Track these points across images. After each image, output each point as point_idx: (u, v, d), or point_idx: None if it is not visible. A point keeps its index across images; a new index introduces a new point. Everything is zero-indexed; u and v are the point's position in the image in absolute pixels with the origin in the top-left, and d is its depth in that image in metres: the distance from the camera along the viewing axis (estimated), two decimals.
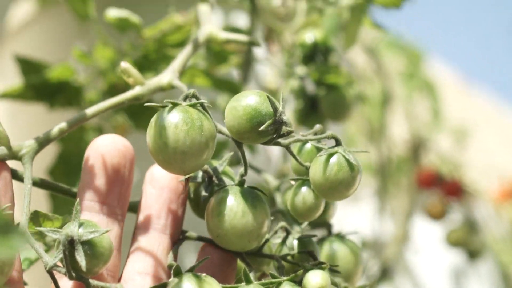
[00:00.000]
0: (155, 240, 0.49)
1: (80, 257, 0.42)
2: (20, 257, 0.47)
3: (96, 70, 0.77)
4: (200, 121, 0.45)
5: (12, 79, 0.75)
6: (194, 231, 0.51)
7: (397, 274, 1.67)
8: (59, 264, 0.43)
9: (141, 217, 0.50)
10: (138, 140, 0.63)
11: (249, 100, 0.45)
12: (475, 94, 3.17)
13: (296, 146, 0.50)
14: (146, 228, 0.49)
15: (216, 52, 0.76)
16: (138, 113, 0.77)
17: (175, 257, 0.48)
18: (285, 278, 0.46)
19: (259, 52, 0.88)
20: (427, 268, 1.96)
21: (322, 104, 0.75)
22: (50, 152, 0.77)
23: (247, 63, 0.75)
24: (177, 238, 0.50)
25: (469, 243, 1.56)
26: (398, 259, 1.70)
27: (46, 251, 0.50)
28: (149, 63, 0.74)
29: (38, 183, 0.50)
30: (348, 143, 1.73)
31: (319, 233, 0.54)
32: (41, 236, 0.49)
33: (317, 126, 0.49)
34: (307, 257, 0.49)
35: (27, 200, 0.45)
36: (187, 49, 0.58)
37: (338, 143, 0.47)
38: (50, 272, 0.43)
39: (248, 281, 0.46)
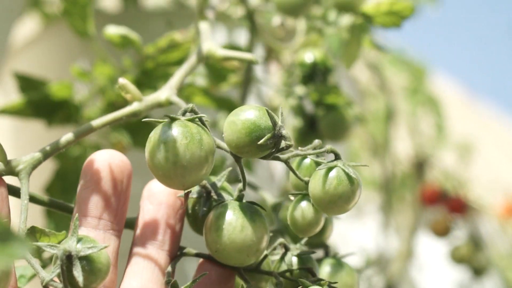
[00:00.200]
0: (153, 256, 0.49)
1: (78, 273, 0.42)
2: (16, 274, 0.47)
3: (96, 88, 0.77)
4: (199, 135, 0.45)
5: (15, 96, 0.75)
6: (192, 248, 0.51)
7: None
8: (56, 279, 0.43)
9: (139, 232, 0.50)
10: (137, 157, 0.63)
11: (248, 114, 0.45)
12: (480, 109, 3.16)
13: (295, 161, 0.50)
14: (144, 244, 0.49)
15: (215, 70, 0.76)
16: (137, 130, 0.77)
17: (173, 273, 0.48)
18: None
19: (259, 71, 0.88)
20: (432, 285, 1.95)
21: (321, 124, 0.75)
22: (47, 169, 0.77)
23: (246, 82, 0.75)
24: (175, 254, 0.50)
25: (474, 259, 1.55)
26: (403, 275, 1.69)
27: (42, 267, 0.50)
28: (148, 80, 0.74)
29: (35, 199, 0.49)
30: (352, 158, 1.73)
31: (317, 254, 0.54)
32: (37, 252, 0.49)
33: (316, 141, 0.48)
34: (306, 274, 0.49)
35: (23, 215, 0.44)
36: (186, 66, 0.58)
37: (337, 157, 0.47)
38: (46, 287, 0.43)
39: None
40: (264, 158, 0.47)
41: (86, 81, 0.77)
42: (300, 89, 0.76)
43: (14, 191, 0.47)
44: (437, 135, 1.80)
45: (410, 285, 1.72)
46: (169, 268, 0.48)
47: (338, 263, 0.52)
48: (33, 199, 0.49)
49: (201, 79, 0.77)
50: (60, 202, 0.50)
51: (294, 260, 0.50)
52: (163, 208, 0.50)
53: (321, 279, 0.48)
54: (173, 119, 0.46)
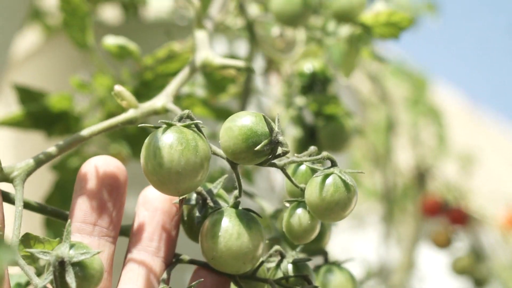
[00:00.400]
0: (148, 263, 0.49)
1: (70, 279, 0.42)
2: (11, 282, 0.47)
3: (96, 99, 0.77)
4: (195, 142, 0.45)
5: (16, 108, 0.76)
6: (187, 254, 0.50)
7: None
8: (49, 286, 0.43)
9: (134, 239, 0.50)
10: (137, 167, 0.63)
11: (245, 120, 0.45)
12: (482, 119, 3.16)
13: (291, 167, 0.50)
14: (139, 251, 0.49)
15: (214, 81, 0.76)
16: (136, 141, 0.77)
17: (168, 280, 0.48)
18: None
19: (259, 82, 0.88)
20: None
21: (321, 134, 0.74)
22: (47, 180, 0.77)
23: (246, 93, 0.75)
24: (170, 261, 0.50)
25: (475, 271, 1.54)
26: (404, 286, 1.69)
27: (38, 275, 0.50)
28: (147, 91, 0.74)
29: (30, 206, 0.49)
30: (354, 169, 1.73)
31: (316, 261, 0.54)
32: (32, 260, 0.49)
33: (312, 148, 0.48)
34: (301, 281, 0.49)
35: (17, 222, 0.44)
36: (182, 73, 0.59)
37: (333, 164, 0.47)
38: None
39: None
40: (261, 164, 0.46)
41: (86, 92, 0.77)
42: (299, 100, 0.76)
43: (10, 198, 0.47)
44: (439, 145, 1.80)
45: None
46: (164, 275, 0.48)
47: (338, 269, 0.52)
48: (28, 205, 0.49)
49: (200, 90, 0.77)
50: (55, 209, 0.50)
51: (290, 267, 0.50)
52: (159, 215, 0.50)
53: (317, 287, 0.48)
54: (168, 125, 0.46)
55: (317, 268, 0.53)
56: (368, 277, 1.50)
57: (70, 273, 0.42)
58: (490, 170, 2.55)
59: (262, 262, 0.49)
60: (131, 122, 0.52)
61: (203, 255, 0.48)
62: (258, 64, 0.85)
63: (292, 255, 0.51)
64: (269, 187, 0.99)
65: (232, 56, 0.77)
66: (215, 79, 0.76)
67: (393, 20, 0.68)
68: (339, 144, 0.74)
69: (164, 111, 0.54)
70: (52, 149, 0.49)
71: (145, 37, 0.97)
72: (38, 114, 0.76)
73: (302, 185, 0.48)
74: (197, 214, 0.49)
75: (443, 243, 1.56)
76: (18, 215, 0.45)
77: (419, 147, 1.75)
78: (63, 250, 0.43)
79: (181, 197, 0.47)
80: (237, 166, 0.47)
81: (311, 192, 0.46)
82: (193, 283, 0.46)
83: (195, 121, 0.46)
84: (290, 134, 0.76)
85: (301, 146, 0.76)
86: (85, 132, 0.50)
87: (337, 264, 0.53)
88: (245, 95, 0.75)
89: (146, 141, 0.45)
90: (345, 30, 0.71)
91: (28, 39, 1.11)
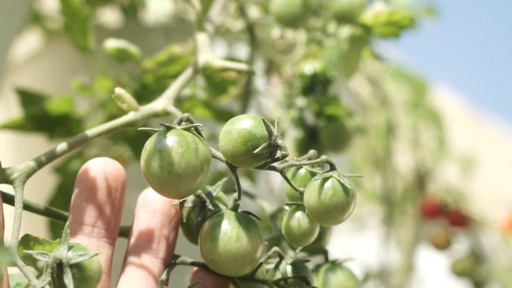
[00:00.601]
0: (146, 264, 0.49)
1: (68, 281, 0.42)
2: (11, 282, 0.47)
3: (96, 101, 0.77)
4: (195, 144, 0.45)
5: (17, 111, 0.76)
6: (187, 256, 0.51)
7: None
8: (48, 287, 0.43)
9: (133, 240, 0.50)
10: (138, 169, 0.63)
11: (244, 123, 0.45)
12: (483, 122, 3.16)
13: (290, 171, 0.50)
14: (138, 252, 0.49)
15: (215, 83, 0.76)
16: (138, 143, 0.78)
17: (167, 282, 0.48)
18: None
19: (260, 83, 0.88)
20: None
21: (322, 135, 0.75)
22: (49, 183, 0.77)
23: (246, 94, 0.75)
24: (169, 262, 0.50)
25: (474, 273, 1.54)
26: None
27: (38, 276, 0.50)
28: (148, 93, 0.74)
29: (30, 207, 0.49)
30: (354, 172, 1.73)
31: (316, 260, 0.54)
32: (32, 261, 0.49)
33: (311, 152, 0.48)
34: (300, 282, 0.49)
35: (17, 223, 0.45)
36: (183, 76, 0.59)
37: (332, 167, 0.47)
38: None
39: None
40: (260, 167, 0.47)
41: (86, 95, 0.77)
42: (300, 101, 0.76)
43: (10, 199, 0.48)
44: (439, 148, 1.80)
45: None
46: (163, 276, 0.48)
47: (339, 268, 0.52)
48: (27, 207, 0.49)
49: (201, 92, 0.77)
50: (55, 210, 0.51)
51: (289, 268, 0.50)
52: (158, 216, 0.50)
53: None
54: (169, 128, 0.46)
55: (318, 266, 0.53)
56: (367, 278, 1.50)
57: (68, 274, 0.42)
58: (491, 173, 2.55)
59: (261, 264, 0.49)
60: (132, 124, 0.52)
61: (202, 257, 0.48)
62: (259, 65, 0.85)
63: (291, 256, 0.51)
64: (268, 189, 0.99)
65: (233, 59, 0.77)
66: (216, 81, 0.76)
67: (394, 20, 0.68)
68: (340, 145, 0.74)
69: (165, 114, 0.54)
70: (52, 151, 0.49)
71: (145, 40, 0.97)
72: (39, 117, 0.76)
73: (301, 189, 0.48)
74: (196, 216, 0.50)
75: (443, 245, 1.56)
76: (18, 217, 0.45)
77: (419, 150, 1.75)
78: (61, 252, 0.43)
79: (181, 200, 0.48)
80: (236, 169, 0.47)
81: (310, 195, 0.46)
82: (191, 285, 0.46)
83: (195, 124, 0.46)
84: (291, 135, 0.77)
85: (302, 147, 0.76)
86: (86, 134, 0.50)
87: (337, 263, 0.53)
88: (246, 97, 0.75)
89: (147, 144, 0.46)
90: (346, 31, 0.71)
91: (29, 42, 1.12)
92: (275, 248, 0.51)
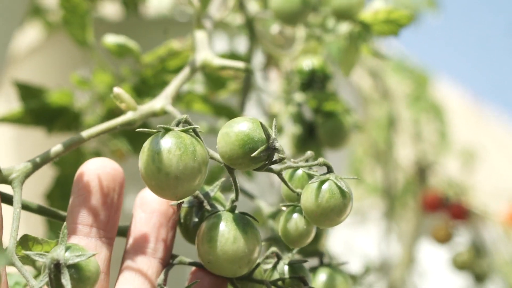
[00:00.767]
0: (144, 264, 0.49)
1: (66, 281, 0.42)
2: (10, 281, 0.47)
3: (95, 95, 0.77)
4: (193, 146, 0.45)
5: (16, 104, 0.76)
6: (185, 255, 0.51)
7: None
8: (45, 287, 0.43)
9: (131, 240, 0.50)
10: (136, 164, 0.63)
11: (242, 126, 0.45)
12: (484, 116, 3.16)
13: (287, 172, 0.50)
14: (136, 252, 0.49)
15: (214, 78, 0.76)
16: (136, 138, 0.78)
17: (165, 281, 0.48)
18: None
19: (259, 78, 0.88)
20: None
21: (320, 131, 0.75)
22: (47, 176, 0.78)
23: (245, 89, 0.75)
24: (167, 262, 0.50)
25: (475, 266, 1.54)
26: (405, 282, 1.69)
27: (37, 275, 0.50)
28: (148, 88, 0.74)
29: (28, 207, 0.49)
30: (355, 165, 1.73)
31: (311, 262, 0.54)
32: (31, 261, 0.49)
33: (309, 153, 0.49)
34: (297, 282, 0.49)
35: (15, 223, 0.45)
36: (181, 75, 0.59)
37: (329, 170, 0.47)
38: None
39: None
40: (257, 169, 0.47)
41: (86, 89, 0.78)
42: (299, 96, 0.76)
43: (8, 199, 0.48)
44: (440, 141, 1.80)
45: None
46: (161, 277, 0.48)
47: (333, 271, 0.52)
48: (26, 207, 0.49)
49: (200, 87, 0.77)
50: (53, 210, 0.51)
51: (286, 269, 0.50)
52: (156, 216, 0.50)
53: None
54: (167, 130, 0.46)
55: (312, 270, 0.53)
56: (368, 272, 1.50)
57: (65, 275, 0.42)
58: (492, 166, 2.54)
59: (259, 264, 0.49)
60: (130, 124, 0.53)
61: (199, 258, 0.48)
62: (258, 59, 0.85)
63: (288, 256, 0.51)
64: (268, 182, 0.99)
65: (232, 54, 0.77)
66: (214, 76, 0.76)
67: (392, 18, 0.68)
68: (338, 141, 0.75)
69: (163, 113, 0.54)
70: (50, 151, 0.49)
71: (146, 34, 0.97)
72: (38, 110, 0.76)
73: (298, 190, 0.48)
74: (194, 217, 0.50)
75: (444, 239, 1.56)
76: (16, 217, 0.45)
77: (421, 143, 1.75)
78: (58, 252, 0.43)
79: (178, 201, 0.48)
80: (234, 170, 0.47)
81: (307, 198, 0.47)
82: (189, 284, 0.46)
83: (193, 126, 0.46)
84: (289, 130, 0.77)
85: (300, 142, 0.76)
86: (83, 134, 0.50)
87: (332, 266, 0.53)
88: (245, 92, 0.75)
89: (144, 145, 0.46)
90: (345, 27, 0.71)
91: (29, 36, 1.12)
92: (273, 249, 0.51)
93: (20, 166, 0.48)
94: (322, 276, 0.52)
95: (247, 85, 0.76)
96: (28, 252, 0.44)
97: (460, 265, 1.54)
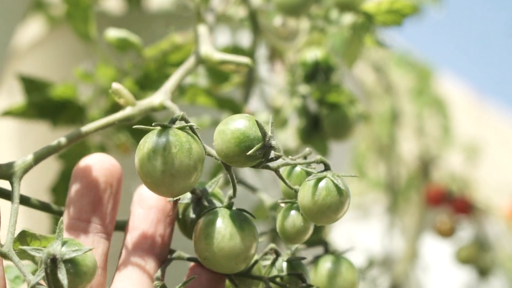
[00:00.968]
0: (142, 260, 0.49)
1: (62, 276, 0.42)
2: (11, 275, 0.47)
3: (99, 89, 0.77)
4: (188, 144, 0.45)
5: (20, 98, 0.76)
6: (184, 250, 0.51)
7: None
8: (42, 282, 0.43)
9: (129, 236, 0.50)
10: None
11: (238, 124, 0.45)
12: (488, 110, 3.15)
13: (285, 169, 0.50)
14: (133, 248, 0.49)
15: (216, 71, 0.76)
16: (140, 132, 0.77)
17: (162, 277, 0.48)
18: None
19: (263, 71, 0.88)
20: (437, 286, 1.95)
21: (325, 123, 0.75)
22: (52, 170, 0.78)
23: (249, 82, 0.75)
24: (165, 257, 0.50)
25: (479, 260, 1.55)
26: (408, 276, 1.69)
27: (36, 270, 0.50)
28: (150, 82, 0.75)
29: (27, 202, 0.50)
30: (358, 159, 1.73)
31: (316, 251, 0.54)
32: (31, 256, 0.49)
33: (307, 150, 0.49)
34: (296, 279, 0.49)
35: (13, 219, 0.45)
36: (181, 69, 0.59)
37: (327, 167, 0.47)
38: None
39: None
40: (254, 167, 0.47)
41: (89, 82, 0.78)
42: (303, 88, 0.76)
43: (7, 194, 0.48)
44: (443, 136, 1.80)
45: (415, 286, 1.72)
46: (158, 272, 0.48)
47: (338, 259, 0.52)
48: (25, 202, 0.49)
49: (203, 80, 0.77)
50: (52, 205, 0.51)
51: (285, 265, 0.50)
52: (153, 212, 0.50)
53: (311, 285, 0.48)
54: (163, 127, 0.46)
55: (317, 258, 0.53)
56: (371, 266, 1.50)
57: (62, 270, 0.42)
58: (495, 160, 2.54)
59: (257, 261, 0.49)
60: (129, 119, 0.53)
61: (196, 254, 0.48)
62: (262, 52, 0.85)
63: (287, 253, 0.51)
64: (271, 176, 0.99)
65: (235, 47, 0.77)
66: (217, 69, 0.76)
67: (396, 8, 0.68)
68: (343, 132, 0.75)
69: (162, 108, 0.54)
70: (50, 145, 0.49)
71: (148, 27, 0.97)
72: (42, 104, 0.76)
73: (296, 187, 0.48)
74: (191, 213, 0.50)
75: (447, 233, 1.56)
76: (14, 212, 0.45)
77: (424, 138, 1.75)
78: (55, 247, 0.43)
79: (175, 198, 0.48)
80: (231, 168, 0.48)
81: (304, 196, 0.47)
82: (187, 280, 0.46)
83: (189, 124, 0.47)
84: (293, 123, 0.77)
85: (305, 134, 0.76)
86: (83, 129, 0.50)
87: (337, 254, 0.53)
88: (249, 84, 0.75)
89: (141, 143, 0.46)
90: (348, 18, 0.71)
91: (32, 29, 1.12)
92: (272, 245, 0.51)
93: (19, 161, 0.48)
94: (327, 263, 0.51)
95: (250, 78, 0.76)
96: (24, 247, 0.44)
97: (463, 260, 1.54)
